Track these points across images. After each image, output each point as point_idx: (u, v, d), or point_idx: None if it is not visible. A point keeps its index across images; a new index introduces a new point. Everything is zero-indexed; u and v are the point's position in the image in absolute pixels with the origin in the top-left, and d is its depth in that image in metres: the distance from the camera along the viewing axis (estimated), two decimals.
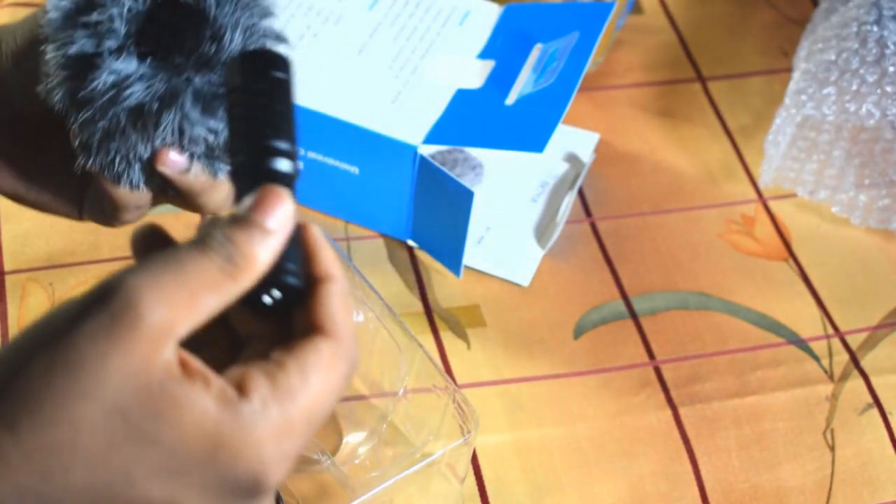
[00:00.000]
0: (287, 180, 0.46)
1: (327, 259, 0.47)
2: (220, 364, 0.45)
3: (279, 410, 0.43)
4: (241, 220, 0.45)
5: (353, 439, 0.73)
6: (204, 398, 0.42)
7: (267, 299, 0.46)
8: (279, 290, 0.46)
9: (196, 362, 0.43)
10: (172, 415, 0.42)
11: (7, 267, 0.81)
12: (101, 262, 0.81)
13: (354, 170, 0.81)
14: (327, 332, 0.45)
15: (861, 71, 0.84)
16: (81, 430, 0.41)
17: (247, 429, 0.42)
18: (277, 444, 0.43)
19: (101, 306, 0.42)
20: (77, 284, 0.80)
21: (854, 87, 0.84)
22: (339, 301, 0.46)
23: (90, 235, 0.82)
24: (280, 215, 0.45)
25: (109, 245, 0.82)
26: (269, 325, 0.47)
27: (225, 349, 0.48)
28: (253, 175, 0.46)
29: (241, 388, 0.43)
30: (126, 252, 0.49)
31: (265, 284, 0.45)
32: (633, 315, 0.82)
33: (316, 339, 0.45)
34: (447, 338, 0.79)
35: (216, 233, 0.44)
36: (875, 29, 0.85)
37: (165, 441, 0.42)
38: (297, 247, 0.46)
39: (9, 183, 0.61)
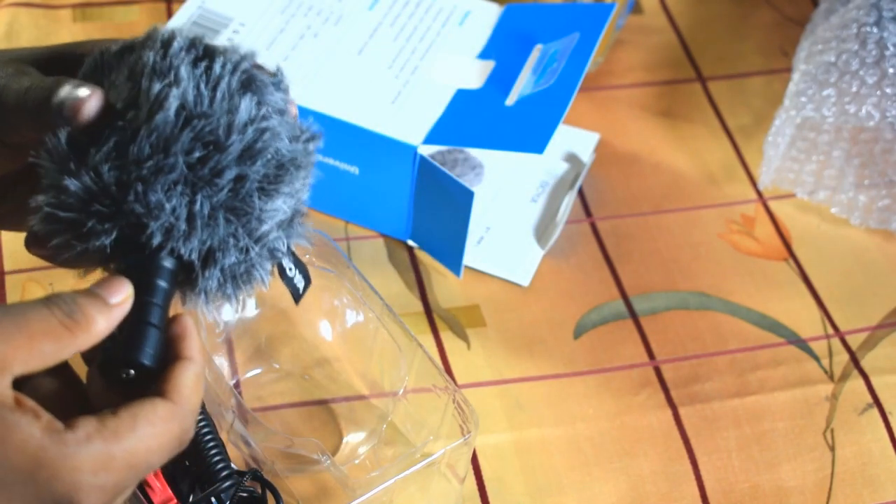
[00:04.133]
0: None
1: (192, 345, 0.52)
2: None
3: (101, 446, 0.47)
4: (87, 291, 0.51)
5: (353, 439, 0.73)
6: (31, 425, 0.46)
7: (123, 375, 0.51)
8: (133, 368, 0.50)
9: (29, 401, 0.47)
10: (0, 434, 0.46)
11: (7, 267, 0.80)
12: None
13: (354, 170, 0.81)
14: (167, 396, 0.50)
15: (861, 72, 0.84)
16: None
17: (67, 455, 0.47)
18: (94, 475, 0.47)
19: None
20: (76, 284, 0.80)
21: (854, 89, 0.84)
22: (191, 377, 0.51)
23: None
24: (120, 294, 0.51)
25: None
26: (124, 399, 0.51)
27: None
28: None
29: (70, 424, 0.47)
30: None
31: (123, 361, 0.50)
32: (633, 315, 0.82)
33: (155, 398, 0.50)
34: (447, 338, 0.79)
35: (63, 294, 0.50)
36: (875, 30, 0.85)
37: None
38: (161, 333, 0.51)
39: None
